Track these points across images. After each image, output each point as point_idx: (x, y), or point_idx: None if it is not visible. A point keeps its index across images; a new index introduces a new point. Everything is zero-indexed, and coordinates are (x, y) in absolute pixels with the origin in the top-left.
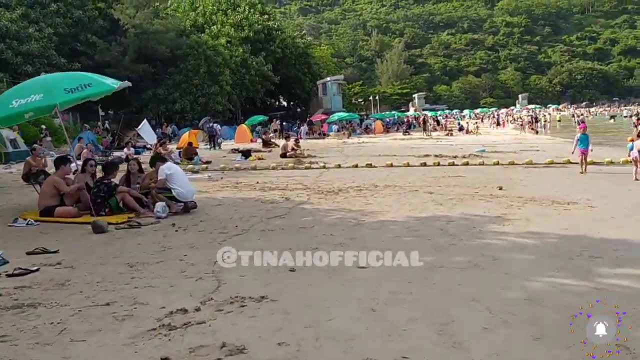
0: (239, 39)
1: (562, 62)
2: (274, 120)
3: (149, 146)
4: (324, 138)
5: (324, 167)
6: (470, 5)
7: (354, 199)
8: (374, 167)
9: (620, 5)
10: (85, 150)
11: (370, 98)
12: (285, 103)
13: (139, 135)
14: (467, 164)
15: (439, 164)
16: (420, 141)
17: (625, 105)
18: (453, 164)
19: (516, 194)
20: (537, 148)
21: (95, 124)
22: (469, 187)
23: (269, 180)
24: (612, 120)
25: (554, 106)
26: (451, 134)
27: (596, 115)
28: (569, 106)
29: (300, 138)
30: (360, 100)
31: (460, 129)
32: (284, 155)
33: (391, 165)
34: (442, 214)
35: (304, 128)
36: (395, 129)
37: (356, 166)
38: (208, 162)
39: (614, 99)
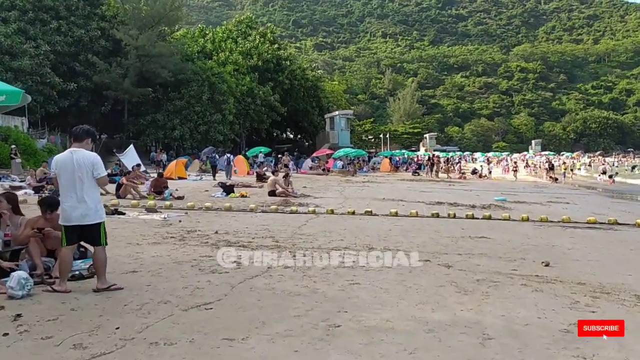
0: (247, 67)
1: (577, 110)
2: (285, 154)
3: None
4: (327, 174)
5: (313, 211)
6: (485, 50)
7: (335, 272)
8: (375, 215)
9: (636, 56)
10: (29, 177)
11: (381, 136)
12: (292, 136)
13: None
14: (489, 217)
15: (454, 216)
16: (431, 184)
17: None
18: (472, 217)
19: (572, 275)
20: (565, 200)
21: None
22: (502, 259)
23: (236, 228)
24: (637, 171)
25: (567, 154)
26: (464, 178)
27: (614, 164)
28: (583, 154)
29: (304, 173)
30: (370, 137)
31: (474, 172)
32: (272, 193)
33: (395, 215)
34: (469, 315)
35: (308, 162)
36: (405, 168)
37: (353, 213)
38: (180, 198)
39: (629, 149)
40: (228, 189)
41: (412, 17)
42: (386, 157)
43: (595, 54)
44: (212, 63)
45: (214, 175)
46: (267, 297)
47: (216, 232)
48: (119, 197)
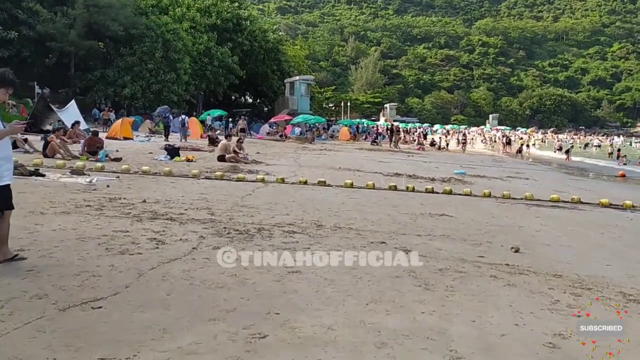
0: (205, 25)
1: (534, 86)
2: (241, 117)
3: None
4: (283, 141)
5: (262, 180)
6: (448, 22)
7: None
8: (328, 186)
9: (593, 36)
10: None
11: (342, 104)
12: (251, 100)
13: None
14: (450, 192)
15: (413, 190)
16: (389, 154)
17: (590, 134)
18: (432, 191)
19: (545, 264)
20: (524, 175)
21: (21, 103)
22: (466, 242)
23: (170, 196)
24: (594, 149)
25: (522, 129)
26: (423, 149)
27: (566, 141)
28: (537, 130)
29: (260, 138)
30: (331, 105)
31: (432, 144)
32: (222, 158)
33: (351, 186)
34: (431, 321)
35: (265, 127)
36: (364, 137)
37: (305, 183)
38: (117, 160)
39: (581, 127)
40: (173, 152)
41: None
42: (345, 125)
43: (554, 31)
44: (167, 18)
45: (166, 136)
46: (181, 290)
47: (144, 201)
48: (46, 156)
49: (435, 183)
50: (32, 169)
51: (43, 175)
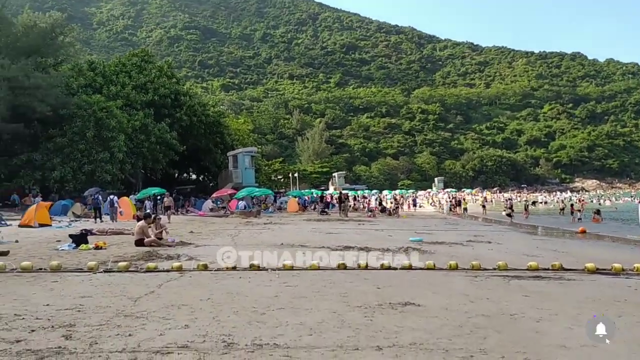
0: (141, 102)
1: (474, 149)
2: (166, 195)
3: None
4: (227, 216)
5: (179, 268)
6: (388, 92)
7: None
8: (262, 269)
9: (524, 99)
10: None
11: (290, 175)
12: (194, 176)
13: None
14: (410, 267)
15: (366, 267)
16: (339, 224)
17: (533, 192)
18: (389, 268)
19: None
20: (484, 238)
21: None
22: (449, 354)
23: (24, 307)
24: (540, 206)
25: (467, 190)
26: (374, 215)
27: (512, 199)
28: (482, 190)
29: (202, 215)
30: (279, 177)
31: (383, 210)
32: (140, 243)
33: (291, 269)
34: None
35: (208, 203)
36: (313, 207)
37: (234, 268)
38: (3, 254)
39: (522, 185)
40: (79, 239)
41: (317, 60)
42: (294, 196)
43: (487, 97)
44: (99, 97)
45: (96, 219)
46: None
47: None
48: None
49: (391, 255)
50: None
51: None
